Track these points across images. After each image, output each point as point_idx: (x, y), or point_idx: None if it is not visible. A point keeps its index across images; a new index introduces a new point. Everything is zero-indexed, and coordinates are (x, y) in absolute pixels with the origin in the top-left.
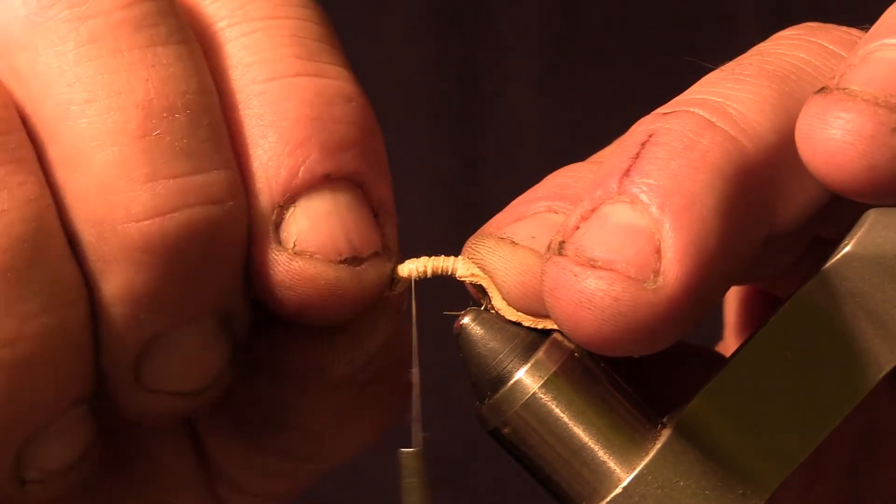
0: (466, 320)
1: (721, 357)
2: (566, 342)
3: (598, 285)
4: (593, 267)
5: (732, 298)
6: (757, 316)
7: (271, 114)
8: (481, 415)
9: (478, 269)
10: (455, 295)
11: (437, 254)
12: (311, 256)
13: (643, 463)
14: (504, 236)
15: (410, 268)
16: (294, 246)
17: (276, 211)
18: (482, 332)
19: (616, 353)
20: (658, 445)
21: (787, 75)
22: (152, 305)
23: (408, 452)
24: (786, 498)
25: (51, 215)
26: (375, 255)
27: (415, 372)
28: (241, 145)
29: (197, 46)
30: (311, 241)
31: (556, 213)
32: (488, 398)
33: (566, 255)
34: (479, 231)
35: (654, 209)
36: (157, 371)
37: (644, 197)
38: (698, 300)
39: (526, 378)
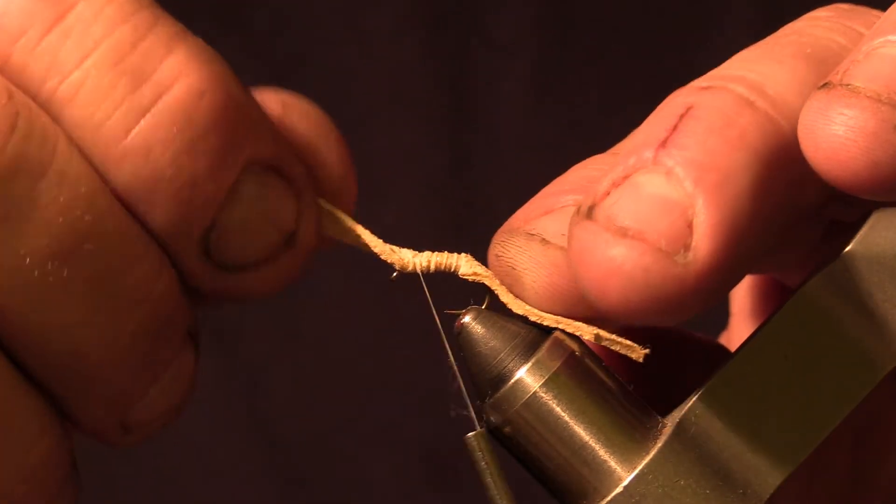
0: (467, 319)
1: (723, 349)
2: (567, 341)
3: (629, 255)
4: (624, 235)
5: (738, 286)
6: (763, 305)
7: (146, 172)
8: (482, 414)
9: (480, 268)
10: (457, 292)
11: (427, 249)
12: (255, 266)
13: (644, 462)
14: (534, 233)
15: (414, 261)
16: (234, 265)
17: (198, 255)
18: (483, 330)
19: (639, 323)
20: (659, 445)
21: (825, 58)
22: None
23: (472, 436)
24: (786, 498)
25: None
26: (301, 213)
27: (453, 362)
28: (138, 215)
29: (65, 152)
30: (248, 253)
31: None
32: (489, 397)
33: (596, 221)
34: (505, 226)
35: (688, 183)
36: (144, 414)
37: (679, 170)
38: (725, 277)
39: (527, 377)
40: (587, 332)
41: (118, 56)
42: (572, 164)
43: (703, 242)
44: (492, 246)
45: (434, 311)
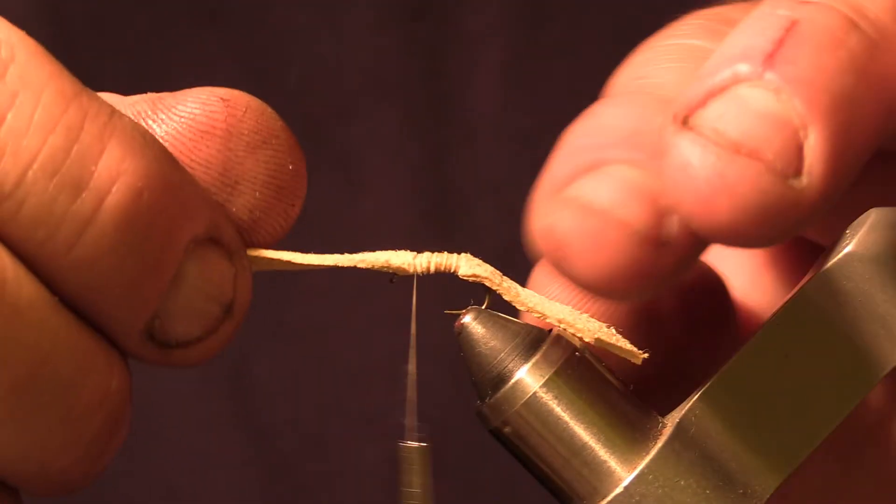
0: (467, 319)
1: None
2: (568, 341)
3: (745, 174)
4: (738, 151)
5: None
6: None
7: (92, 279)
8: (482, 414)
9: (480, 268)
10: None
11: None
12: (198, 341)
13: (644, 462)
14: (585, 202)
15: (413, 263)
16: (177, 343)
17: (141, 341)
18: (483, 331)
19: (735, 245)
20: (658, 445)
21: None
22: None
23: (409, 447)
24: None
25: None
26: (237, 276)
27: (411, 369)
28: (83, 316)
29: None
30: (190, 331)
31: (637, 169)
32: (489, 397)
33: (702, 134)
34: (547, 186)
35: (799, 103)
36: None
37: (791, 87)
38: (830, 204)
39: (527, 377)
40: (587, 334)
41: (54, 166)
42: (548, 154)
43: (818, 168)
44: (536, 214)
45: (413, 320)
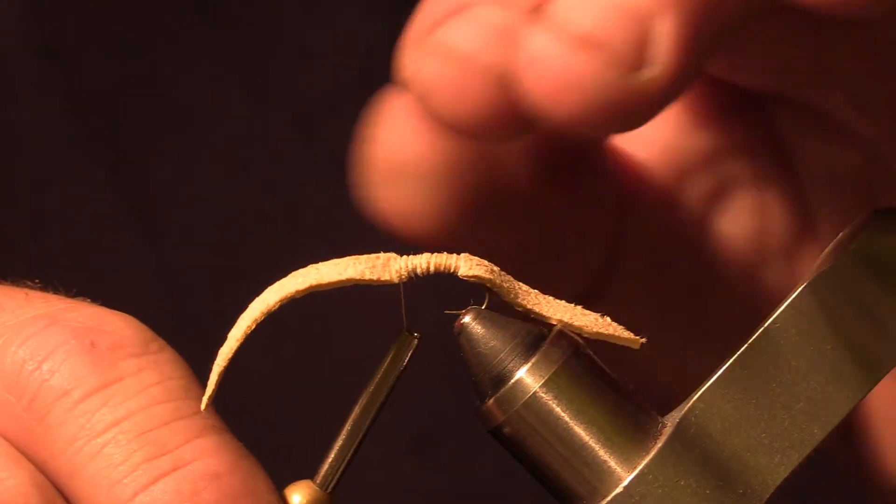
0: (467, 319)
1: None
2: (568, 341)
3: (590, 68)
4: (583, 45)
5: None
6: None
7: None
8: (482, 414)
9: (479, 268)
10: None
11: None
12: None
13: (644, 462)
14: (446, 46)
15: (414, 263)
16: None
17: None
18: (483, 330)
19: (584, 135)
20: (659, 445)
21: None
22: None
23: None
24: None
25: None
26: None
27: None
28: None
29: None
30: None
31: (503, 9)
32: (489, 397)
33: (548, 27)
34: (415, 31)
35: None
36: None
37: None
38: (683, 86)
39: (527, 377)
40: (587, 330)
41: (147, 427)
42: None
43: (665, 58)
44: (405, 61)
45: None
